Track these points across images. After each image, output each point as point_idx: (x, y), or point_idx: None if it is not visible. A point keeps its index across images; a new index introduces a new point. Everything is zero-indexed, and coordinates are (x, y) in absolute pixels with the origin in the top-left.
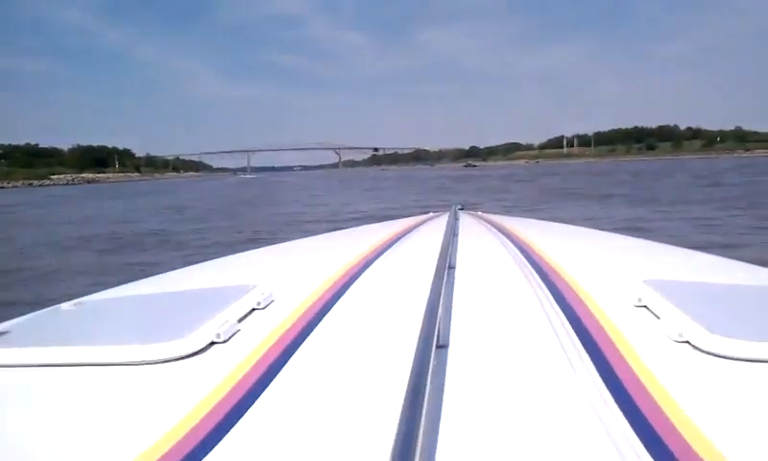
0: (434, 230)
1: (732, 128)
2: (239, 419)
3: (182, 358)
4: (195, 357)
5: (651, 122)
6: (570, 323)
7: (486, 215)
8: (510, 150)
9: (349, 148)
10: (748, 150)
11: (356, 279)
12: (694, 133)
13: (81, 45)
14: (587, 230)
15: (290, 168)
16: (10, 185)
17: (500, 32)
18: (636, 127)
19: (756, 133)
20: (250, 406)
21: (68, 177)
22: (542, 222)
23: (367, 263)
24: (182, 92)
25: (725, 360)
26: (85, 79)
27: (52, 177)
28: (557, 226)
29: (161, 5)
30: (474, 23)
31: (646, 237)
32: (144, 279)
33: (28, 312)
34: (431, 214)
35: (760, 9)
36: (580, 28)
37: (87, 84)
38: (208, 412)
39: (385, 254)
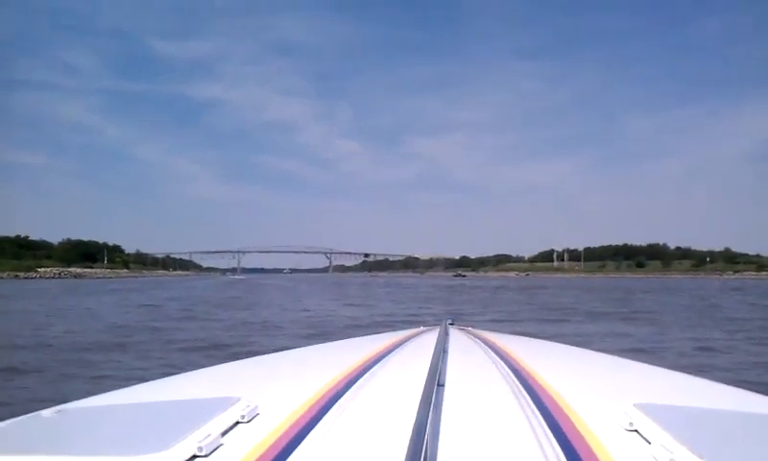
0: (424, 345)
1: (722, 249)
2: None
3: None
4: None
5: (641, 240)
6: (561, 446)
7: (476, 331)
8: (500, 261)
9: (341, 253)
10: (737, 271)
11: (343, 394)
12: (683, 253)
13: (79, 141)
14: (577, 349)
15: (280, 270)
16: None
17: (493, 145)
18: (625, 244)
19: (744, 254)
20: None
21: (55, 270)
22: (533, 340)
23: (355, 378)
24: (177, 191)
25: None
26: (81, 174)
27: (39, 269)
28: (548, 344)
29: (161, 107)
30: (467, 135)
31: (639, 359)
32: (126, 388)
33: (6, 418)
34: (421, 329)
35: (751, 132)
36: (572, 145)
37: (83, 178)
38: None
39: (373, 369)
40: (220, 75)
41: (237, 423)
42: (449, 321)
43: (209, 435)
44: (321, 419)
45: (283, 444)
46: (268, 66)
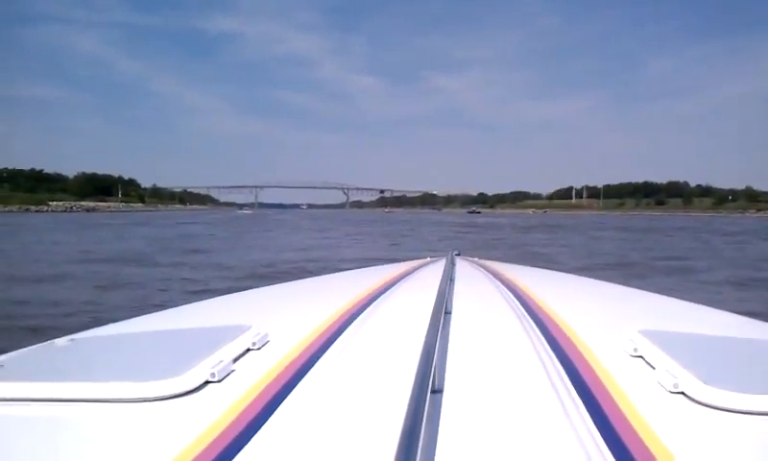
0: (431, 275)
1: (743, 187)
2: (232, 459)
3: (177, 396)
4: (189, 396)
5: (661, 178)
6: (566, 371)
7: (482, 262)
8: (518, 198)
9: (358, 189)
10: (759, 210)
11: (352, 322)
12: (704, 191)
13: (95, 75)
14: (584, 278)
15: (297, 206)
16: (6, 209)
17: (512, 81)
18: (645, 182)
19: (766, 192)
20: (243, 447)
21: (67, 204)
22: (539, 269)
23: (363, 307)
24: (194, 126)
25: (719, 412)
26: (98, 108)
27: (50, 203)
28: (553, 274)
29: (177, 40)
30: (486, 71)
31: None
32: (138, 317)
33: (22, 347)
34: (428, 259)
35: None
36: (591, 82)
37: (99, 113)
38: (201, 451)
39: (381, 297)
40: (235, 8)
41: (248, 349)
42: (456, 252)
43: (222, 361)
44: (330, 345)
45: (294, 369)
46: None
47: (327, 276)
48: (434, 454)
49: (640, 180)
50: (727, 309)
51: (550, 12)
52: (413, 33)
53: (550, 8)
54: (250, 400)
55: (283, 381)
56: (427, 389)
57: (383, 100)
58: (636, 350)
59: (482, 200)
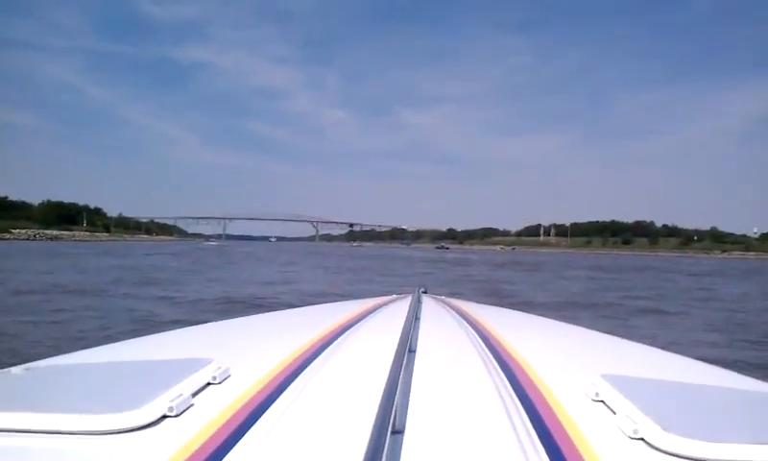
0: (396, 312)
1: (708, 228)
2: None
3: (133, 430)
4: (146, 430)
5: (628, 217)
6: (527, 414)
7: (449, 300)
8: (487, 234)
9: (327, 222)
10: (725, 251)
11: (314, 358)
12: (670, 231)
13: (64, 102)
14: (548, 320)
15: (266, 238)
16: None
17: (482, 118)
18: (612, 220)
19: (730, 234)
20: None
21: (30, 232)
22: (504, 310)
23: (327, 343)
24: (163, 155)
25: (678, 459)
26: (67, 135)
27: (13, 231)
28: (518, 314)
29: (149, 69)
30: (457, 107)
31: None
32: (98, 347)
33: None
34: (394, 296)
35: (738, 113)
36: (561, 120)
37: (68, 140)
38: None
39: (345, 334)
40: (208, 39)
41: (208, 384)
42: (422, 290)
43: (181, 395)
44: (292, 381)
45: (254, 405)
46: (257, 32)
47: (291, 310)
48: None
49: (608, 218)
50: (697, 354)
51: (521, 50)
52: (385, 67)
53: (521, 46)
54: (208, 435)
55: (242, 417)
56: (388, 428)
57: (354, 134)
58: (597, 394)
59: (451, 235)
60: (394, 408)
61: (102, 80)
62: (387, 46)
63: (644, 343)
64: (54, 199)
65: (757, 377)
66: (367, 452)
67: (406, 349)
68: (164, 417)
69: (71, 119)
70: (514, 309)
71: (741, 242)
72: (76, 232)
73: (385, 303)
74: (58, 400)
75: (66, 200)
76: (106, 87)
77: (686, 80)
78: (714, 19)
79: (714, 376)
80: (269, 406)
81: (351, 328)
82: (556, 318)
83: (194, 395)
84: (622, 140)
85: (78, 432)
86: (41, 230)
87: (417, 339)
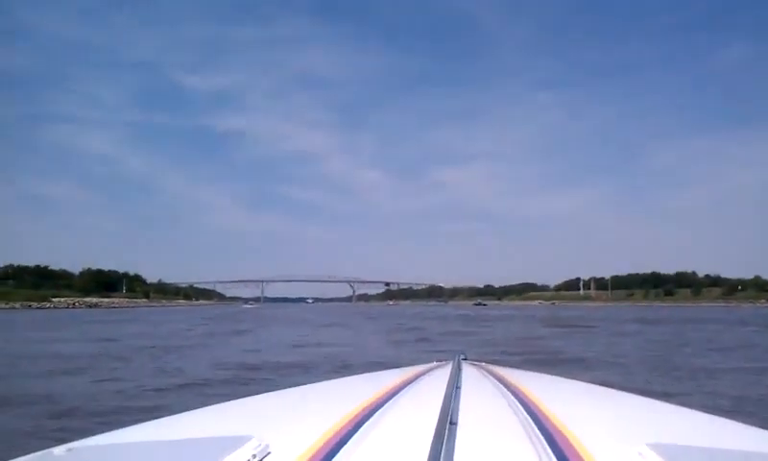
0: (436, 381)
1: (751, 276)
2: None
3: None
4: None
5: (668, 268)
6: None
7: (489, 367)
8: (525, 290)
9: (364, 282)
10: None
11: (355, 432)
12: (713, 281)
13: (104, 172)
14: (591, 386)
15: (303, 300)
16: (8, 306)
17: (517, 174)
18: (653, 272)
19: None
20: None
21: (69, 300)
22: (546, 376)
23: (366, 416)
24: (201, 221)
25: None
26: (106, 205)
27: (53, 299)
28: (562, 381)
29: (185, 138)
30: (491, 165)
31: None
32: (137, 425)
33: (17, 456)
34: (434, 364)
35: None
36: (596, 174)
37: (107, 210)
38: None
39: (385, 406)
40: (243, 107)
41: None
42: (462, 356)
43: None
44: (333, 457)
45: None
46: (292, 98)
47: (329, 382)
48: None
49: (648, 270)
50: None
51: (554, 106)
52: (419, 128)
53: (554, 102)
54: None
55: None
56: None
57: (389, 193)
58: None
59: (489, 291)
60: None
61: (140, 150)
62: (420, 108)
63: (693, 408)
64: (94, 267)
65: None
66: None
67: (447, 421)
68: None
69: (110, 189)
70: (556, 376)
71: None
72: (115, 299)
73: (424, 372)
74: None
75: (106, 268)
76: (144, 157)
77: (724, 128)
78: (746, 68)
79: (761, 439)
80: None
81: (391, 400)
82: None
83: None
84: (659, 191)
85: None
86: (80, 298)
87: (458, 411)
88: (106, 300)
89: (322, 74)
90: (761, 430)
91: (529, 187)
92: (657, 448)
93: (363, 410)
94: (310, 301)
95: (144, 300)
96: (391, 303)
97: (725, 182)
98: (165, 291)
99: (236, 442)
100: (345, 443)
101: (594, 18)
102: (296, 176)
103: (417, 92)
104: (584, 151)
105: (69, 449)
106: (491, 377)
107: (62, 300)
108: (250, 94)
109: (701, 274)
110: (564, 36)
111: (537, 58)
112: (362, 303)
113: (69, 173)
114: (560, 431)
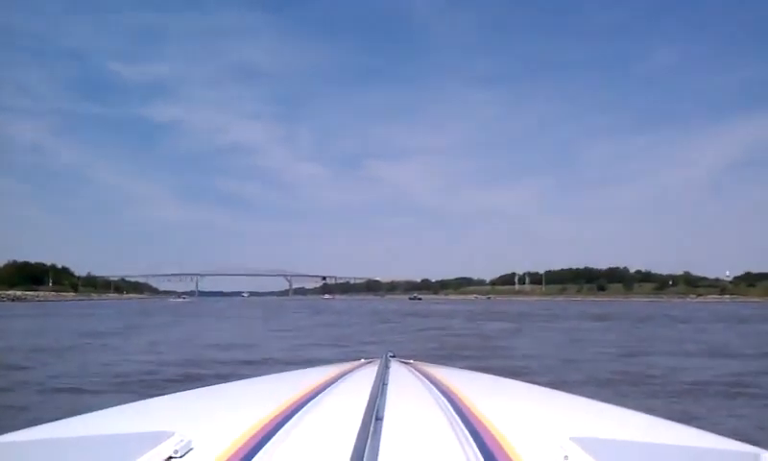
0: (363, 378)
1: (681, 272)
2: None
3: None
4: None
5: (601, 263)
6: None
7: (417, 364)
8: (462, 284)
9: (301, 275)
10: (700, 294)
11: (279, 429)
12: (644, 276)
13: (32, 162)
14: (516, 382)
15: (239, 293)
16: None
17: (453, 170)
18: (586, 267)
19: (704, 278)
20: None
21: None
22: (474, 373)
23: (292, 412)
24: (134, 214)
25: None
26: (35, 196)
27: None
28: (488, 378)
29: (118, 129)
30: (428, 160)
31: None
32: (54, 422)
33: None
34: (362, 361)
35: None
36: (532, 171)
37: (36, 201)
38: None
39: (311, 402)
40: (179, 98)
41: (170, 458)
42: (391, 354)
43: None
44: (256, 454)
45: None
46: (228, 90)
47: (255, 379)
48: None
49: (581, 265)
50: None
51: (492, 103)
52: (358, 122)
53: (492, 99)
54: None
55: None
56: None
57: (326, 187)
58: (566, 457)
59: (425, 286)
60: None
61: (71, 140)
62: (358, 102)
63: (613, 403)
64: (20, 259)
65: (726, 436)
66: None
67: (373, 417)
68: None
69: (39, 180)
70: (483, 373)
71: (715, 285)
72: (41, 292)
73: (352, 369)
74: None
75: (34, 260)
76: (75, 148)
77: (654, 129)
78: (679, 70)
79: (682, 434)
80: None
81: (317, 397)
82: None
83: None
84: (594, 188)
85: None
86: (3, 291)
87: (384, 407)
88: (31, 293)
89: (260, 66)
90: (679, 425)
91: (466, 183)
92: (578, 441)
93: (288, 406)
94: (246, 294)
95: (72, 293)
96: (327, 296)
97: (657, 181)
98: (95, 284)
99: (157, 438)
100: (270, 438)
101: (533, 15)
102: (233, 168)
103: (356, 86)
104: (520, 148)
105: None
106: (418, 375)
107: None
108: (186, 85)
109: (633, 269)
110: (502, 33)
111: (475, 54)
112: (300, 297)
113: None
114: (485, 426)
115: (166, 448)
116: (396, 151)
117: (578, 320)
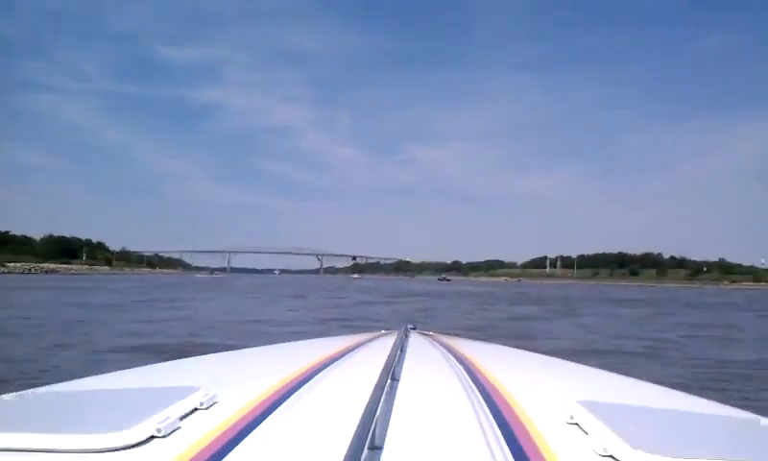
0: (382, 346)
1: (716, 259)
2: None
3: (122, 449)
4: (134, 449)
5: (635, 249)
6: (504, 436)
7: (436, 335)
8: (492, 266)
9: (332, 255)
10: (734, 281)
11: (299, 387)
12: (678, 263)
13: (76, 141)
14: (531, 353)
15: (270, 271)
16: None
17: (490, 154)
18: (620, 252)
19: (738, 265)
20: None
21: (26, 266)
22: (491, 345)
23: (312, 374)
24: (173, 192)
25: None
26: (79, 174)
27: (8, 265)
28: (504, 348)
29: (161, 110)
30: (465, 144)
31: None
32: (89, 377)
33: None
34: (382, 332)
35: (746, 149)
36: (569, 157)
37: (80, 179)
38: None
39: (331, 366)
40: (221, 80)
41: (195, 409)
42: (410, 326)
43: (168, 418)
44: (276, 408)
45: (238, 429)
46: (270, 73)
47: (279, 345)
48: None
49: (615, 250)
50: None
51: (531, 88)
52: (395, 106)
53: (531, 85)
54: (192, 455)
55: (227, 440)
56: (365, 444)
57: (362, 170)
58: (571, 417)
59: (456, 267)
60: (372, 426)
61: (115, 120)
62: (398, 85)
63: (619, 373)
64: (57, 234)
65: (720, 401)
66: None
67: (389, 377)
68: (152, 438)
69: (84, 159)
70: (500, 345)
71: (749, 273)
72: (74, 266)
73: (372, 339)
74: (50, 422)
75: (71, 235)
76: (118, 128)
77: (697, 117)
78: (724, 57)
79: (681, 399)
80: (252, 430)
81: (337, 361)
82: None
83: (182, 418)
84: (631, 175)
85: (70, 450)
86: (37, 264)
87: (401, 369)
88: (64, 266)
89: (301, 50)
90: (679, 391)
91: (501, 167)
92: (583, 403)
93: (309, 369)
94: (276, 272)
95: (106, 267)
96: (355, 276)
97: (697, 168)
98: (128, 259)
99: (184, 392)
100: (290, 395)
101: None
102: (271, 150)
103: (395, 71)
104: (559, 133)
105: (19, 395)
106: (436, 344)
107: (17, 265)
108: (228, 68)
109: (667, 255)
110: (548, 19)
111: (518, 40)
112: (330, 276)
113: (41, 141)
114: (496, 389)
115: (193, 401)
116: (433, 135)
117: (609, 305)
